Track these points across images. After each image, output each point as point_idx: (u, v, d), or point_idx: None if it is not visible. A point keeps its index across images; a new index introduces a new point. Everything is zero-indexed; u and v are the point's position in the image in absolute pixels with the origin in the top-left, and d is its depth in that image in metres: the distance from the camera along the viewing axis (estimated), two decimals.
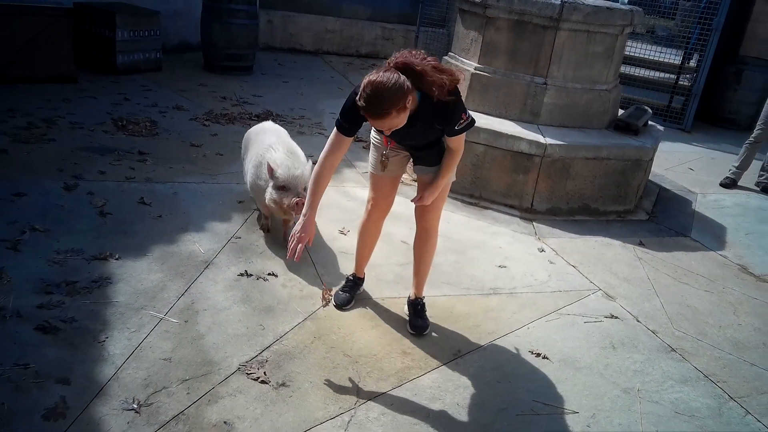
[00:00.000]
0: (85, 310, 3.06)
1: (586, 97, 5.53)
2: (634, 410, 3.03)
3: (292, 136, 6.30)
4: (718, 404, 3.18)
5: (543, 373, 3.20)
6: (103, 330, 2.94)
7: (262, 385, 2.76)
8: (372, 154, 3.28)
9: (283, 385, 2.78)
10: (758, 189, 6.83)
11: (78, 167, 4.72)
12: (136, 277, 3.40)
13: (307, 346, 3.09)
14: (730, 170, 6.90)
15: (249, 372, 2.81)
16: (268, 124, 4.46)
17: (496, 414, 2.86)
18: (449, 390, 2.96)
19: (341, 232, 4.36)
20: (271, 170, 3.70)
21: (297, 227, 2.86)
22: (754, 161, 6.89)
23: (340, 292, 3.53)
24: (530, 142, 5.07)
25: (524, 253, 4.54)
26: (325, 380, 2.87)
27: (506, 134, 5.11)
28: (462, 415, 2.81)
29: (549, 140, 5.07)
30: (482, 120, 5.30)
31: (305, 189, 3.31)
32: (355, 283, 3.61)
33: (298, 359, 2.98)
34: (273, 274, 3.68)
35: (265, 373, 2.82)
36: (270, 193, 3.73)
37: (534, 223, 5.10)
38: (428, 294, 3.74)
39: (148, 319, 3.06)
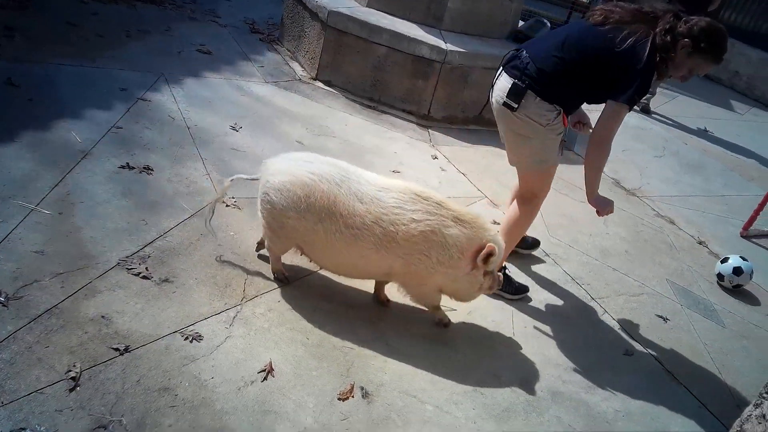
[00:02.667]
0: None
1: (489, 5, 5.50)
2: (506, 309, 3.24)
3: (182, 22, 5.91)
4: (581, 304, 3.48)
5: None
6: None
7: (144, 280, 2.68)
8: (547, 146, 2.99)
9: (166, 281, 2.72)
10: (638, 109, 7.22)
11: None
12: (3, 164, 3.12)
13: (193, 243, 3.01)
14: None
15: (129, 267, 2.71)
16: (332, 163, 2.75)
17: (380, 311, 2.96)
18: (338, 289, 3.02)
19: (233, 128, 4.19)
20: (490, 256, 2.63)
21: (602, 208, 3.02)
22: None
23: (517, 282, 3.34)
24: (431, 47, 5.02)
25: (418, 160, 4.60)
26: (212, 277, 2.84)
27: (408, 37, 5.02)
28: (349, 312, 2.90)
29: (450, 47, 5.04)
30: (385, 20, 5.17)
31: None
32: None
33: (183, 256, 2.91)
34: (157, 169, 3.50)
35: (147, 268, 2.74)
36: (480, 283, 2.74)
37: (430, 130, 5.14)
38: None
39: (16, 210, 2.84)
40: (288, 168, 2.65)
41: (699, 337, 3.44)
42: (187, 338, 2.45)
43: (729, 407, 2.98)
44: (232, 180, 2.83)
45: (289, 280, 2.96)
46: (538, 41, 3.00)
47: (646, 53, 2.64)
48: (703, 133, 7.06)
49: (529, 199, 3.18)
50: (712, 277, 4.08)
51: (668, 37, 2.67)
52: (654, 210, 4.89)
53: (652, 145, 6.24)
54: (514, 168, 3.24)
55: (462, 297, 2.86)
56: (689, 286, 3.94)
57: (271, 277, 2.94)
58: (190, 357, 2.39)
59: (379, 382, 2.56)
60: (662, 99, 7.74)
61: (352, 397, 2.46)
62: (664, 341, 3.34)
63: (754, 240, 4.79)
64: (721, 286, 4.01)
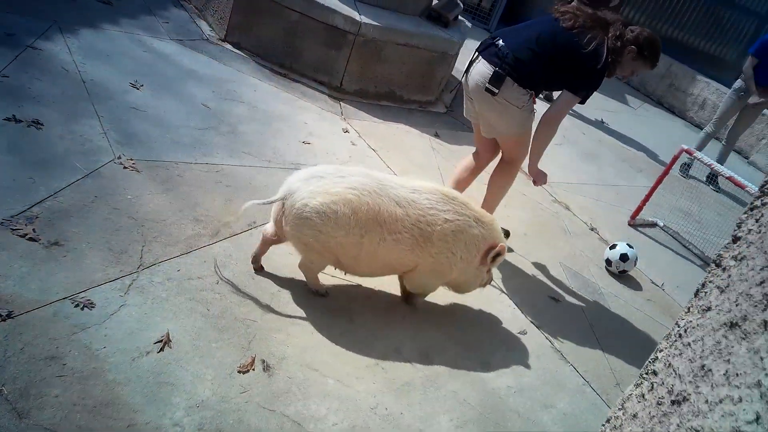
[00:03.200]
0: None
1: None
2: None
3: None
4: None
5: None
6: None
7: (31, 242, 2.48)
8: (523, 122, 3.39)
9: (55, 244, 2.54)
10: (542, 97, 7.48)
11: None
12: None
13: (86, 206, 2.83)
14: None
15: (14, 228, 2.50)
16: (360, 173, 2.71)
17: (284, 282, 2.92)
18: (240, 259, 2.94)
19: (133, 86, 3.96)
20: (498, 255, 2.93)
21: (538, 178, 3.62)
22: None
23: None
24: (346, 17, 4.94)
25: (329, 132, 4.54)
26: (106, 242, 2.68)
27: (322, 5, 4.92)
28: (251, 283, 2.83)
29: (364, 19, 4.99)
30: None
31: None
32: None
33: (75, 218, 2.72)
34: (48, 124, 3.24)
35: (34, 230, 2.54)
36: (482, 278, 3.06)
37: (341, 102, 5.09)
38: (227, 163, 3.62)
39: None
40: (324, 187, 2.55)
41: (587, 318, 3.65)
42: (77, 305, 2.31)
43: (610, 385, 3.19)
44: (246, 207, 2.63)
45: (328, 293, 2.95)
46: (512, 33, 3.34)
47: (604, 56, 3.15)
48: (600, 125, 7.44)
49: (510, 162, 3.66)
50: (601, 262, 4.33)
51: (618, 43, 3.19)
52: (552, 195, 5.11)
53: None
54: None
55: (464, 289, 3.10)
56: (580, 269, 4.17)
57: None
58: (81, 325, 2.25)
59: (281, 356, 2.53)
60: None
61: (253, 369, 2.41)
62: (555, 321, 3.52)
63: (639, 229, 5.13)
64: (608, 271, 4.27)
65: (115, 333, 2.28)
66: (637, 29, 3.25)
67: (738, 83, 6.60)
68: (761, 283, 1.06)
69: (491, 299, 3.47)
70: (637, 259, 4.21)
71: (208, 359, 2.37)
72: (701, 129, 8.70)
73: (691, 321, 1.20)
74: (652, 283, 4.37)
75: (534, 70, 3.19)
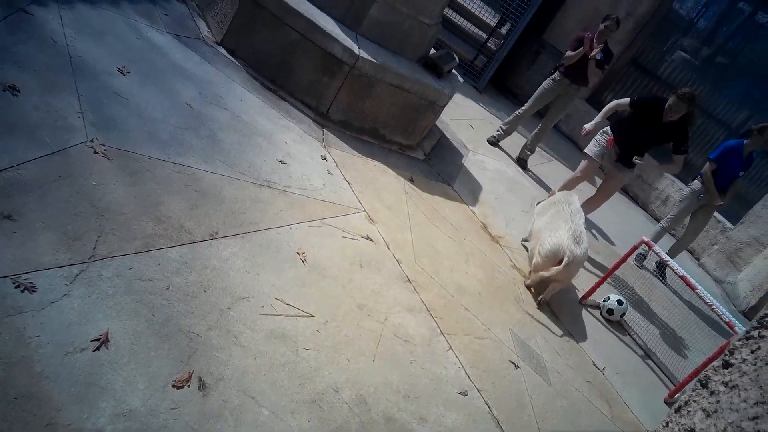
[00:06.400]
0: None
1: (409, 23, 5.55)
2: (362, 326, 3.25)
3: None
4: (430, 335, 3.56)
5: (292, 273, 3.25)
6: None
7: None
8: (599, 149, 5.94)
9: (8, 217, 2.42)
10: (516, 162, 7.64)
11: None
12: None
13: (48, 184, 2.71)
14: (497, 130, 7.62)
15: None
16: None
17: (237, 301, 2.84)
18: (196, 269, 2.85)
19: (120, 71, 3.86)
20: None
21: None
22: (517, 135, 7.69)
23: None
24: (345, 48, 4.96)
25: (307, 156, 4.51)
26: (62, 225, 2.57)
27: (324, 30, 4.93)
28: (202, 295, 2.75)
29: (362, 53, 5.02)
30: (304, 6, 5.05)
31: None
32: None
33: (34, 194, 2.61)
34: (25, 91, 3.13)
35: None
36: None
37: (325, 129, 5.07)
38: (200, 167, 3.54)
39: None
40: (585, 244, 4.59)
41: (527, 390, 3.66)
42: (18, 286, 2.20)
43: None
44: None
45: None
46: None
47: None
48: None
49: (607, 195, 6.27)
50: (548, 334, 4.36)
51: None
52: (511, 260, 5.15)
53: (522, 200, 6.61)
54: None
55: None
56: (528, 339, 4.18)
57: None
58: (18, 308, 2.14)
59: (219, 376, 2.44)
60: (539, 159, 8.26)
61: (188, 386, 2.32)
62: (497, 387, 3.51)
63: (589, 309, 5.20)
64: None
65: (52, 323, 2.17)
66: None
67: (696, 184, 6.77)
68: (754, 418, 1.04)
69: (437, 354, 3.45)
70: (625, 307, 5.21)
71: (144, 367, 2.27)
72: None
73: None
74: (594, 365, 4.42)
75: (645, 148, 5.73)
